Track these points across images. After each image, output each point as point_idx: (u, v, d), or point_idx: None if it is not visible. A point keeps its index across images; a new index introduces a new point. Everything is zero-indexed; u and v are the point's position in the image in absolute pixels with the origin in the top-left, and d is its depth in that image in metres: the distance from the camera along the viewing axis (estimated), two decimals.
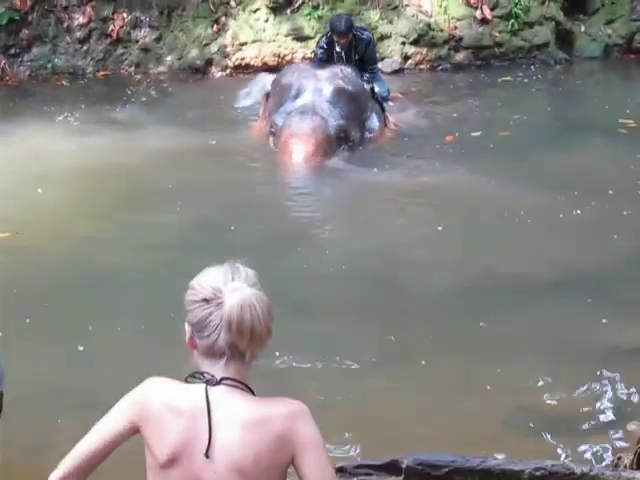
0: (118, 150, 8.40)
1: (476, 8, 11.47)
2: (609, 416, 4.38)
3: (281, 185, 7.64)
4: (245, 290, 2.18)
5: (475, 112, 9.47)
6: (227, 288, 2.19)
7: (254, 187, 7.39)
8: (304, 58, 11.21)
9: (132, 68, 11.53)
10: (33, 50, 11.52)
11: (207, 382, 2.19)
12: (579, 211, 6.68)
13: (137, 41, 11.61)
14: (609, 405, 4.46)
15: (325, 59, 8.80)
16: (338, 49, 8.81)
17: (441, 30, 11.41)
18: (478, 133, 8.61)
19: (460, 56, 11.44)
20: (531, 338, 5.09)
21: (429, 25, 11.39)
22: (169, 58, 11.55)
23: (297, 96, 7.99)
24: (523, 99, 10.23)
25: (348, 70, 8.30)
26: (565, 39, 11.88)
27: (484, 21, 11.47)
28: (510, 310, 5.34)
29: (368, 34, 9.28)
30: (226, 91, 10.53)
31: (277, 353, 4.26)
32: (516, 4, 11.52)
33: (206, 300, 2.19)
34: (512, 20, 11.50)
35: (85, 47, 11.56)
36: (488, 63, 11.41)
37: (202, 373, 2.22)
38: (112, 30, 11.54)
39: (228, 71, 11.44)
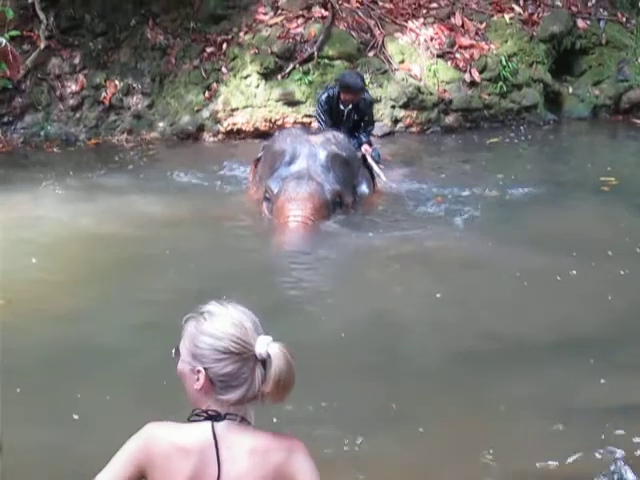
0: (110, 217, 8.38)
1: (465, 71, 11.61)
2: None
3: (276, 251, 7.60)
4: (276, 346, 2.25)
5: (465, 173, 9.53)
6: (259, 344, 2.24)
7: (247, 254, 7.35)
8: (295, 122, 11.29)
9: (124, 135, 11.60)
10: (26, 118, 11.59)
11: (212, 418, 2.24)
12: (575, 271, 6.67)
13: (129, 108, 11.70)
14: (611, 468, 4.41)
15: (326, 117, 8.82)
16: (342, 107, 8.85)
17: (430, 93, 11.52)
18: (467, 193, 8.64)
19: (450, 119, 11.55)
20: (531, 401, 5.05)
21: (419, 89, 11.51)
22: (161, 124, 11.63)
23: (291, 162, 7.98)
24: (513, 160, 10.33)
25: (341, 136, 8.33)
26: (553, 100, 12.03)
27: (473, 84, 11.61)
28: (510, 373, 5.31)
29: (369, 95, 9.36)
30: (218, 156, 10.57)
31: (275, 419, 4.21)
32: (504, 67, 11.68)
33: (235, 354, 2.22)
34: (500, 83, 11.64)
35: (78, 114, 11.65)
36: (478, 125, 11.53)
37: (205, 411, 2.25)
38: (104, 97, 11.64)
39: (220, 136, 11.52)
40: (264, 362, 2.24)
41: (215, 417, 2.24)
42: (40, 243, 7.79)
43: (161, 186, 9.37)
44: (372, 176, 8.61)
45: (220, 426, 2.23)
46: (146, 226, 8.12)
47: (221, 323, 2.26)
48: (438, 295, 6.37)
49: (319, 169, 7.90)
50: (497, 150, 10.63)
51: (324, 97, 8.95)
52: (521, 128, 11.44)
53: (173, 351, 2.35)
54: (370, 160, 8.66)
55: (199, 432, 2.23)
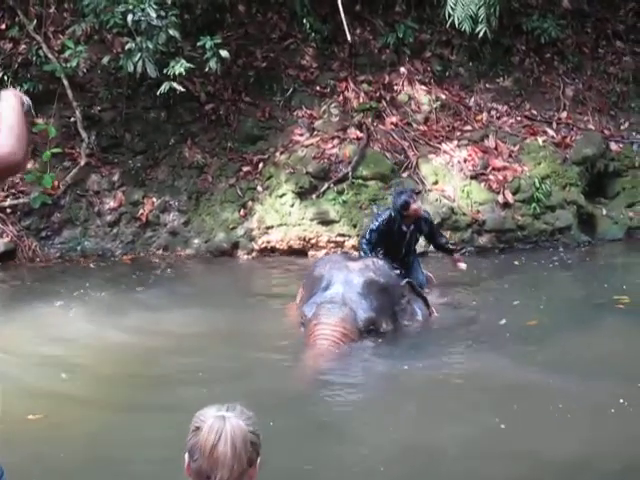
0: (142, 332, 8.39)
1: (498, 193, 11.69)
2: None
3: (309, 376, 7.41)
4: (228, 419, 2.48)
5: (499, 298, 9.39)
6: (211, 416, 2.50)
7: (281, 375, 7.25)
8: (329, 241, 11.38)
9: (160, 251, 11.74)
10: (64, 233, 11.79)
11: None
12: (622, 400, 6.49)
13: (165, 225, 11.87)
14: None
15: (379, 241, 8.80)
16: (404, 228, 8.85)
17: (464, 214, 11.59)
18: (504, 321, 8.48)
19: (483, 239, 11.58)
20: None
21: (452, 209, 11.59)
22: (196, 241, 11.77)
23: (327, 287, 7.89)
24: (547, 282, 10.23)
25: (380, 262, 8.22)
26: (587, 222, 12.04)
27: (506, 205, 11.67)
28: None
29: (426, 211, 9.45)
30: (251, 274, 10.65)
31: None
32: (537, 189, 11.75)
33: (197, 428, 2.49)
34: (534, 204, 11.69)
35: (115, 230, 11.83)
36: (511, 246, 11.55)
37: None
38: (142, 214, 11.82)
39: (254, 254, 11.62)
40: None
41: None
42: (71, 357, 7.80)
43: (194, 302, 9.39)
44: (426, 302, 8.45)
45: None
46: (177, 342, 8.10)
47: (205, 408, 2.55)
48: (492, 421, 6.18)
49: (354, 296, 7.78)
50: (532, 272, 10.57)
51: (383, 220, 8.87)
52: (555, 250, 11.42)
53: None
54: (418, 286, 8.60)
55: None
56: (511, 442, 5.86)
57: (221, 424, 2.48)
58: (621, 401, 6.39)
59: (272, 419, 6.14)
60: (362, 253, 8.75)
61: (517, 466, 5.58)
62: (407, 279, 8.42)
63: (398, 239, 8.87)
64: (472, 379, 7.02)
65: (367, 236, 8.90)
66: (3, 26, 12.34)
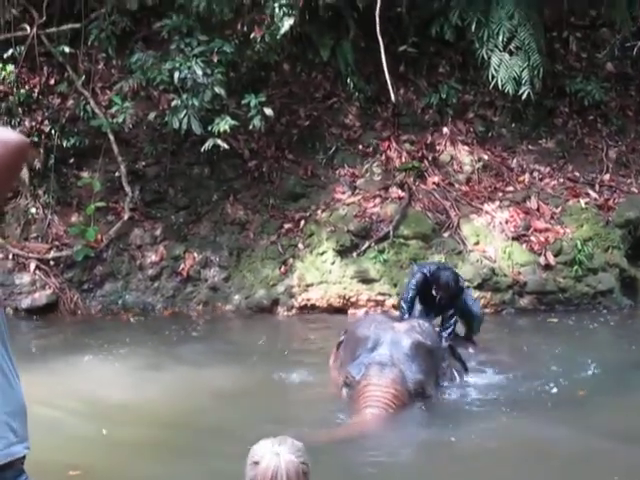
0: (181, 389, 8.42)
1: (540, 254, 11.64)
2: None
3: (355, 439, 7.27)
4: (282, 456, 2.80)
5: (540, 361, 9.24)
6: (268, 451, 2.82)
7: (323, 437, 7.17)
8: (369, 300, 11.37)
9: (200, 306, 11.78)
10: (105, 286, 11.87)
11: None
12: None
13: (206, 280, 11.91)
14: None
15: (414, 298, 8.69)
16: (434, 293, 8.65)
17: (505, 275, 11.53)
18: (555, 390, 8.32)
19: (524, 301, 11.51)
20: None
21: (493, 270, 11.54)
22: (236, 297, 11.80)
23: (374, 348, 7.76)
24: (590, 346, 10.04)
25: (426, 324, 8.16)
26: (630, 285, 11.93)
27: (548, 267, 11.60)
28: None
29: (468, 293, 9.28)
30: (291, 331, 10.63)
31: None
32: (580, 251, 11.68)
33: (256, 462, 2.82)
34: (576, 266, 11.61)
35: (156, 284, 11.89)
36: (553, 308, 11.44)
37: None
38: (183, 269, 11.89)
39: (294, 311, 11.62)
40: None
41: None
42: (111, 412, 7.81)
43: (233, 358, 9.39)
44: (465, 367, 8.37)
45: None
46: (215, 399, 8.10)
47: (262, 454, 2.82)
48: None
49: (402, 357, 7.68)
50: (573, 335, 10.45)
51: (418, 278, 8.74)
52: (597, 312, 11.31)
53: None
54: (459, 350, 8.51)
55: None
56: None
57: (277, 461, 2.80)
58: None
59: None
60: (402, 311, 8.67)
61: None
62: (449, 342, 8.36)
63: (429, 301, 8.77)
64: (521, 447, 6.89)
65: (405, 295, 8.81)
66: (52, 81, 12.56)
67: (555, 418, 7.48)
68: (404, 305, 8.67)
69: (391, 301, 11.34)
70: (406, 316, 8.47)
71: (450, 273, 8.83)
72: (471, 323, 9.21)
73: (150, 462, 6.74)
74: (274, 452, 2.84)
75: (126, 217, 12.02)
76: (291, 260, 11.86)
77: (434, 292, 8.66)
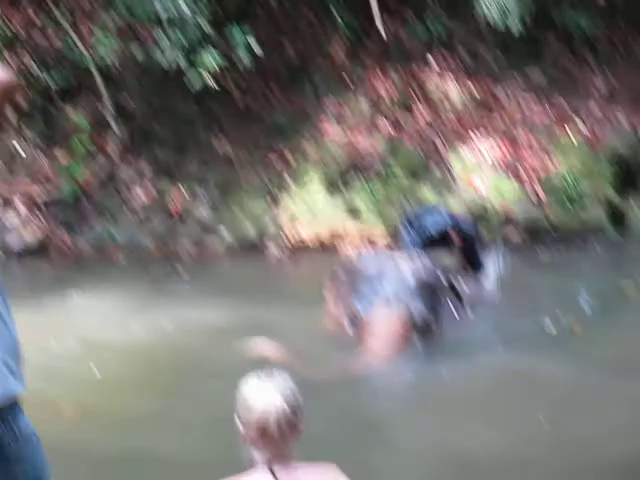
0: (173, 327, 8.42)
1: (530, 190, 11.61)
2: None
3: (356, 377, 7.25)
4: (275, 397, 2.83)
5: (534, 297, 9.26)
6: (260, 394, 2.84)
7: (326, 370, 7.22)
8: (360, 236, 11.37)
9: (190, 245, 11.74)
10: (95, 226, 11.80)
11: (271, 466, 2.80)
12: None
13: (196, 218, 11.86)
14: None
15: (425, 242, 8.62)
16: (450, 241, 8.71)
17: (495, 211, 11.52)
18: (551, 326, 8.31)
19: (515, 237, 11.51)
20: None
21: (482, 204, 11.53)
22: (226, 235, 11.75)
23: (380, 284, 7.77)
24: (582, 281, 10.05)
25: (429, 262, 8.18)
26: (620, 220, 11.91)
27: (538, 203, 11.59)
28: None
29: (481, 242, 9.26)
30: (283, 269, 10.61)
31: None
32: (570, 186, 11.65)
33: (248, 407, 2.84)
34: (566, 202, 11.59)
35: (146, 224, 11.83)
36: (543, 244, 11.44)
37: (259, 459, 2.81)
38: (172, 208, 11.82)
39: (284, 248, 11.60)
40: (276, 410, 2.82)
41: (269, 462, 2.81)
42: (100, 351, 7.85)
43: (224, 297, 9.35)
44: (461, 303, 8.35)
45: (278, 469, 2.80)
46: (208, 337, 8.11)
47: (252, 385, 2.89)
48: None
49: (407, 293, 7.73)
50: (563, 270, 10.45)
51: (435, 226, 8.72)
52: (587, 248, 11.33)
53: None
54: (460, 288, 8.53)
55: (263, 477, 2.80)
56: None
57: (269, 403, 2.83)
58: None
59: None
60: (401, 249, 8.64)
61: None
62: (449, 281, 8.38)
63: (443, 250, 8.73)
64: (520, 383, 6.94)
65: (417, 237, 8.74)
66: (37, 20, 12.35)
67: (552, 354, 7.53)
68: (413, 244, 8.62)
69: (381, 236, 11.34)
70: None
71: (471, 222, 9.14)
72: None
73: (145, 401, 6.79)
74: (267, 394, 2.86)
75: (114, 156, 11.92)
76: (280, 197, 11.81)
77: (450, 240, 8.67)
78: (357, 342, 7.65)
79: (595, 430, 6.04)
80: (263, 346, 7.61)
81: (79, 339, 8.24)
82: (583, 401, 6.65)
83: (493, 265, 9.29)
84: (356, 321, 7.78)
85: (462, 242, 8.71)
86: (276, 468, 2.80)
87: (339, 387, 6.96)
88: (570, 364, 7.27)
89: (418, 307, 7.70)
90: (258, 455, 2.84)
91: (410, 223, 8.85)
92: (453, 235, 8.68)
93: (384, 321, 7.56)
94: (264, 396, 2.86)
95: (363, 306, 7.76)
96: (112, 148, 11.95)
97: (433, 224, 8.75)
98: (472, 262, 8.97)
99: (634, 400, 6.52)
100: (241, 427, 2.89)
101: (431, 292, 7.92)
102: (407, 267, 7.95)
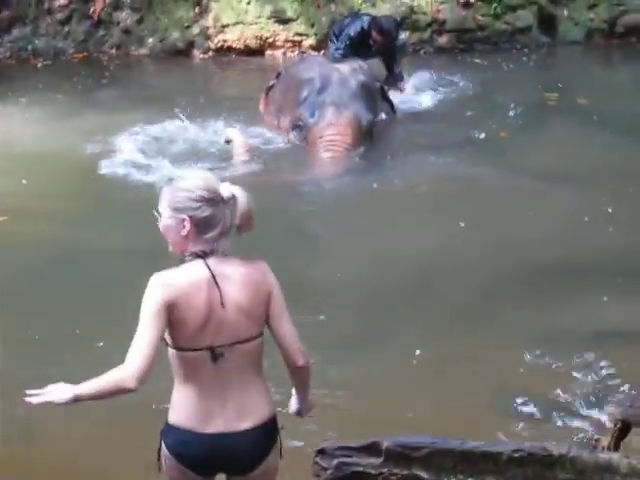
0: (98, 132, 8.29)
1: None
2: (589, 399, 4.40)
3: (311, 178, 7.39)
4: (236, 188, 2.86)
5: (462, 103, 9.26)
6: (223, 189, 2.83)
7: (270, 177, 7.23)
8: (286, 41, 11.20)
9: (113, 50, 11.46)
10: (13, 31, 11.44)
11: (201, 257, 2.82)
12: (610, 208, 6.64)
13: (118, 23, 11.52)
14: (590, 388, 4.49)
15: (350, 49, 8.53)
16: (371, 43, 8.62)
17: (424, 13, 11.37)
18: (477, 132, 8.33)
19: (443, 40, 11.42)
20: (531, 323, 5.13)
21: (412, 8, 11.36)
22: (150, 40, 11.48)
23: (323, 89, 7.70)
24: (507, 85, 10.07)
25: (365, 65, 8.10)
26: (548, 23, 11.86)
27: (467, 5, 11.45)
28: (523, 299, 5.41)
29: (403, 39, 9.25)
30: (208, 73, 10.45)
31: None
32: None
33: (208, 199, 2.80)
34: (495, 4, 11.48)
35: (66, 28, 11.48)
36: (471, 47, 11.39)
37: (194, 252, 2.82)
38: (93, 12, 11.45)
39: (210, 53, 11.39)
40: (229, 203, 2.83)
41: (204, 255, 2.82)
42: (26, 161, 7.79)
43: (148, 102, 9.17)
44: (392, 108, 8.33)
45: (210, 261, 2.82)
46: (131, 142, 7.98)
47: (191, 181, 2.84)
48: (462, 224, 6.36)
49: (351, 97, 7.68)
50: (490, 74, 10.42)
51: (357, 29, 8.62)
52: (514, 51, 11.31)
53: (154, 212, 2.86)
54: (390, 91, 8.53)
55: (198, 268, 2.81)
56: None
57: (243, 195, 2.86)
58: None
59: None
60: (335, 58, 8.48)
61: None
62: (379, 83, 8.34)
63: (364, 51, 8.62)
64: (449, 185, 7.10)
65: (340, 44, 8.63)
66: None
67: (479, 159, 7.64)
68: (338, 53, 8.53)
69: (309, 42, 11.19)
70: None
71: (393, 20, 8.99)
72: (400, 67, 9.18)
73: (71, 210, 6.77)
74: (229, 189, 2.85)
75: None
76: (205, 1, 11.48)
77: (371, 41, 8.56)
78: (304, 146, 7.63)
79: (528, 234, 6.25)
80: (234, 133, 7.65)
81: (2, 148, 8.13)
82: (504, 201, 6.82)
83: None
84: (303, 126, 7.70)
85: (382, 38, 8.62)
86: (211, 261, 2.82)
87: (288, 194, 7.05)
88: (496, 168, 7.41)
89: (363, 110, 7.70)
90: (195, 245, 2.83)
91: (334, 34, 8.79)
92: (374, 33, 8.59)
93: (333, 126, 7.52)
94: (231, 188, 2.86)
95: (310, 111, 7.69)
96: None
97: (354, 27, 8.68)
98: (392, 59, 8.96)
99: (563, 205, 6.71)
100: (175, 217, 2.83)
101: (371, 95, 7.90)
102: (348, 71, 7.89)
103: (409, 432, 3.44)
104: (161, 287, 2.77)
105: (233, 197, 2.84)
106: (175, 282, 2.79)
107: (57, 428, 4.13)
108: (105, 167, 7.50)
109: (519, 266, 5.81)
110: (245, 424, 2.86)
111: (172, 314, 2.77)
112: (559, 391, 4.47)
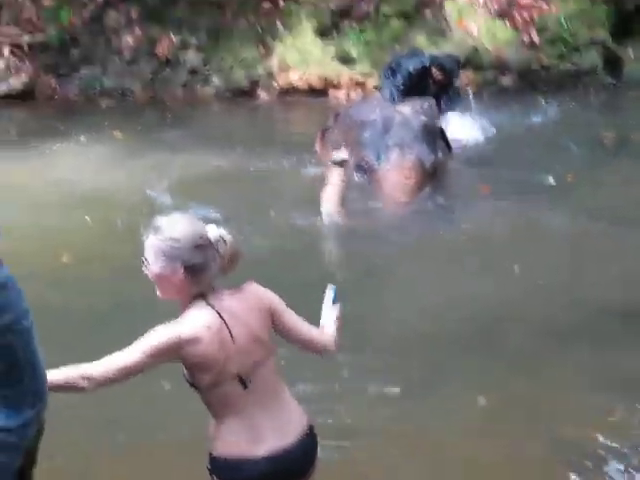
0: (163, 172, 8.40)
1: (523, 32, 11.42)
2: None
3: (382, 220, 7.42)
4: (222, 231, 2.97)
5: (526, 143, 9.21)
6: (211, 233, 2.92)
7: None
8: (350, 81, 11.25)
9: (179, 90, 11.60)
10: (82, 70, 11.62)
11: (202, 298, 2.92)
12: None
13: (184, 63, 11.67)
14: None
15: (407, 85, 8.41)
16: (430, 81, 8.57)
17: (488, 53, 11.36)
18: (544, 176, 8.19)
19: (507, 80, 11.39)
20: (594, 368, 5.08)
21: (476, 48, 11.35)
22: (215, 80, 11.61)
23: (386, 131, 7.74)
24: (575, 127, 9.93)
25: (426, 104, 8.08)
26: (614, 64, 11.76)
27: (531, 45, 11.42)
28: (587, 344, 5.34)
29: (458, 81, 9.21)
30: (273, 114, 10.51)
31: None
32: (564, 28, 11.45)
33: (199, 246, 2.87)
34: (560, 44, 11.42)
35: (133, 68, 11.65)
36: (535, 87, 11.32)
37: (194, 296, 2.91)
38: (160, 52, 11.62)
39: (274, 93, 11.47)
40: (217, 245, 2.92)
41: (203, 296, 2.92)
42: (90, 199, 7.87)
43: (212, 143, 9.29)
44: (449, 147, 8.28)
45: (211, 301, 2.91)
46: (195, 184, 8.09)
47: (179, 227, 2.89)
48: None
49: (414, 139, 7.69)
50: (555, 114, 10.38)
51: (417, 66, 8.46)
52: (579, 91, 11.21)
53: (142, 259, 2.93)
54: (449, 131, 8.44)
55: (204, 311, 2.90)
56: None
57: (230, 238, 2.98)
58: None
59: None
60: (393, 98, 8.42)
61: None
62: (440, 125, 8.29)
63: (421, 89, 8.55)
64: (519, 231, 7.07)
65: (397, 82, 8.45)
66: None
67: (548, 203, 7.56)
68: (398, 89, 8.45)
69: (372, 82, 11.20)
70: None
71: (454, 59, 8.93)
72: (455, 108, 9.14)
73: (135, 245, 6.81)
74: (216, 232, 2.96)
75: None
76: (270, 41, 11.61)
77: (431, 80, 8.52)
78: (369, 188, 7.64)
79: (600, 277, 6.17)
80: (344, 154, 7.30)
81: (67, 186, 8.23)
82: (578, 248, 6.75)
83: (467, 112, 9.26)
84: (367, 169, 7.71)
85: (444, 77, 8.58)
86: (210, 300, 2.93)
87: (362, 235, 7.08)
88: (565, 213, 7.33)
89: (426, 152, 7.71)
90: (190, 291, 2.93)
91: (391, 70, 8.67)
92: (435, 71, 8.53)
93: (399, 169, 7.55)
94: (218, 231, 2.98)
95: (375, 154, 7.70)
96: None
97: (413, 63, 8.54)
98: (448, 100, 8.90)
99: (621, 246, 6.63)
100: (170, 266, 2.89)
101: (433, 136, 7.88)
102: (409, 112, 7.89)
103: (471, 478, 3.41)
104: (186, 345, 2.84)
105: (221, 239, 2.94)
106: (195, 336, 2.86)
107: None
108: (167, 209, 7.54)
109: (585, 311, 5.74)
110: (292, 436, 2.97)
111: (189, 361, 2.88)
112: (621, 441, 4.38)
